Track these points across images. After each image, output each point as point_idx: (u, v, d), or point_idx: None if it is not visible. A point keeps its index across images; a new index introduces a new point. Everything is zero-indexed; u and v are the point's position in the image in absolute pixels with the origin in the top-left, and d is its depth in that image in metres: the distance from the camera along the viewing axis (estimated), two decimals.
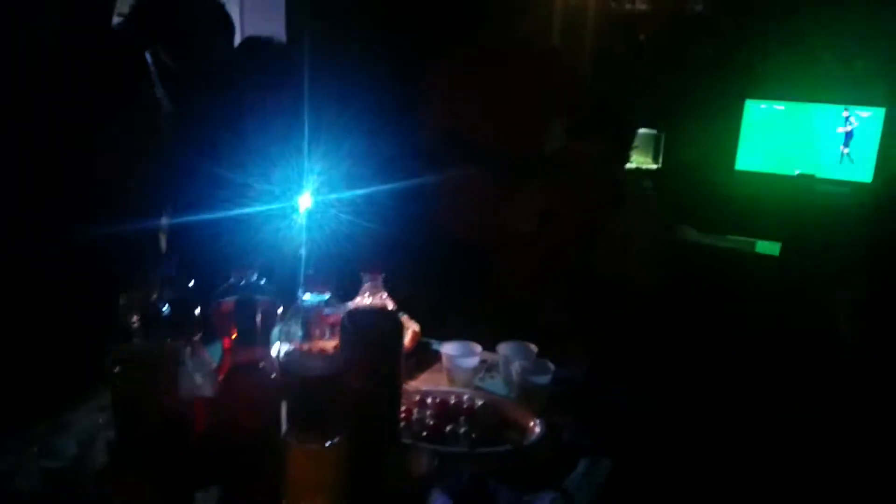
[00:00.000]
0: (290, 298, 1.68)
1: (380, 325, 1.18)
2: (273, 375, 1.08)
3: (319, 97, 2.12)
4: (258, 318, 1.03)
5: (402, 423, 1.32)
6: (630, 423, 1.39)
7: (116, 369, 1.03)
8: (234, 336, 1.05)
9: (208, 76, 2.34)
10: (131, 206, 1.95)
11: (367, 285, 1.32)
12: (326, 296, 1.12)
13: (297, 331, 1.46)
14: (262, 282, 1.21)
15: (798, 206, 3.73)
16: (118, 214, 1.89)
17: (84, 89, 1.79)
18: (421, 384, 1.55)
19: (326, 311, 1.61)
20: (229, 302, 1.15)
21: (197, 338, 1.06)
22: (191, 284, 1.19)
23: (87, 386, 1.39)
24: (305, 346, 1.40)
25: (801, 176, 3.87)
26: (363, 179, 2.07)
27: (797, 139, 3.92)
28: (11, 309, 1.61)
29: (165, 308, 1.07)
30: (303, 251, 1.79)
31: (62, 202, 1.77)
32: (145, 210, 2.08)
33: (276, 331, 1.42)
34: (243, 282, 1.17)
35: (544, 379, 1.45)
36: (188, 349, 1.05)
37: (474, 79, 2.43)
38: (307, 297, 1.13)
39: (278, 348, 1.42)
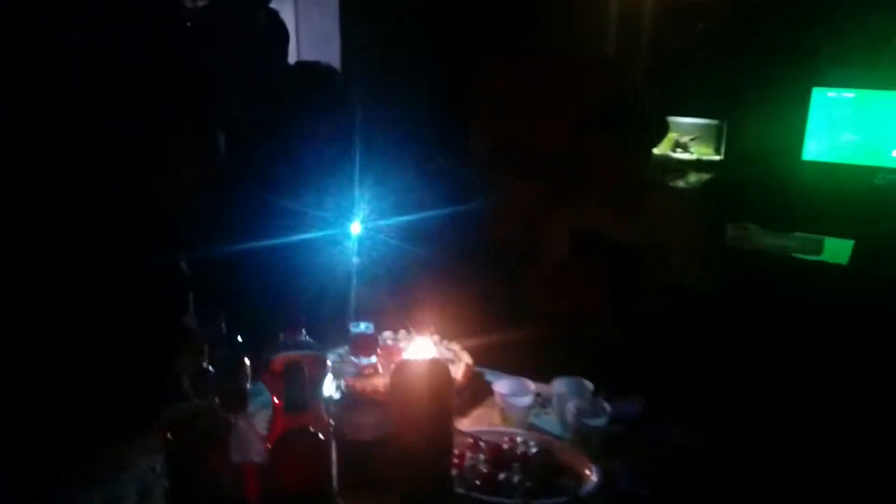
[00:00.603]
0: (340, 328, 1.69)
1: (429, 381, 1.17)
2: (322, 437, 1.08)
3: (370, 116, 2.11)
4: (306, 385, 1.02)
5: (455, 471, 1.31)
6: (690, 469, 1.35)
7: (169, 436, 1.03)
8: (282, 403, 1.05)
9: (262, 92, 2.35)
10: (187, 229, 1.97)
11: (416, 338, 1.31)
12: (373, 359, 1.10)
13: (349, 368, 1.47)
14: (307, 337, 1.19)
15: (870, 198, 3.57)
16: (174, 239, 1.91)
17: (146, 104, 1.80)
18: (474, 422, 1.53)
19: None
20: (279, 360, 1.14)
21: (248, 409, 1.06)
22: (240, 340, 1.19)
23: (144, 421, 1.40)
24: (358, 384, 1.41)
25: (873, 167, 3.70)
26: (414, 201, 2.06)
27: (868, 128, 3.74)
28: (67, 335, 1.64)
29: (214, 372, 1.07)
30: (353, 285, 1.79)
31: (117, 224, 1.79)
32: (203, 236, 2.10)
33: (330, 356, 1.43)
34: (293, 340, 1.17)
35: (600, 421, 1.41)
36: (240, 418, 1.05)
37: (525, 87, 2.39)
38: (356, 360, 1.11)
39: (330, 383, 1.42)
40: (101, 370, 1.46)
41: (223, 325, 1.17)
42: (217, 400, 1.08)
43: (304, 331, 1.14)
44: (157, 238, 1.84)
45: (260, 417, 1.32)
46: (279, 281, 1.97)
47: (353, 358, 1.10)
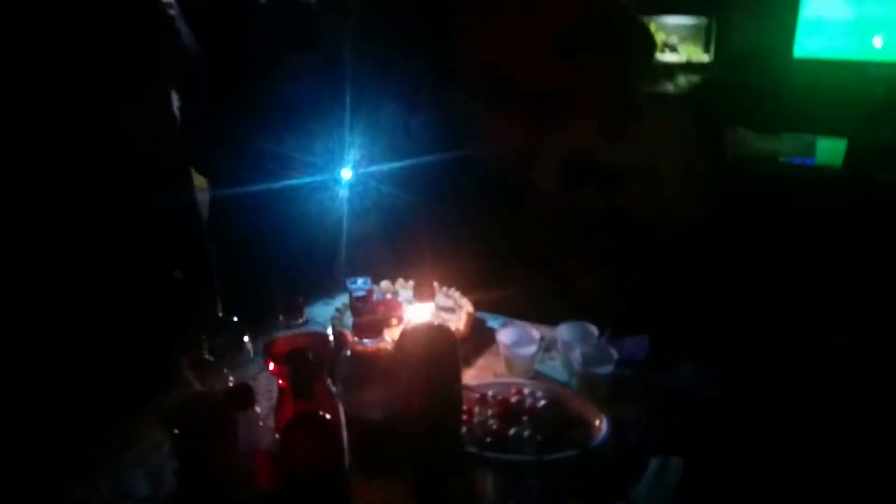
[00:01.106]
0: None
1: (435, 348, 1.13)
2: (331, 418, 1.06)
3: (355, 50, 1.99)
4: (312, 371, 1.00)
5: (464, 428, 1.30)
6: (699, 412, 1.35)
7: (176, 431, 1.01)
8: (288, 387, 1.02)
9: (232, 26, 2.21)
10: (165, 172, 1.89)
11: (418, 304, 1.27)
12: (376, 340, 1.07)
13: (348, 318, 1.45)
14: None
15: (866, 95, 3.48)
16: (153, 186, 1.83)
17: (98, 37, 1.68)
18: (479, 373, 1.52)
19: (376, 296, 1.58)
20: (281, 341, 1.11)
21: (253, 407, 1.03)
22: (236, 320, 1.15)
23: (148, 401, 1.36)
24: (363, 349, 1.38)
25: (866, 62, 3.59)
26: (406, 136, 1.97)
27: (864, 20, 3.61)
28: (63, 308, 1.59)
29: (215, 361, 1.04)
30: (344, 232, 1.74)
31: (86, 173, 1.70)
32: (182, 180, 2.02)
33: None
34: (297, 320, 1.13)
35: (607, 368, 1.40)
36: (246, 410, 1.02)
37: (508, 11, 2.25)
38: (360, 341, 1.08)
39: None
40: (98, 350, 1.43)
41: (219, 307, 1.13)
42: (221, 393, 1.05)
43: (305, 311, 1.10)
44: (129, 191, 1.76)
45: (262, 383, 1.29)
46: (266, 229, 1.92)
47: (357, 339, 1.06)
